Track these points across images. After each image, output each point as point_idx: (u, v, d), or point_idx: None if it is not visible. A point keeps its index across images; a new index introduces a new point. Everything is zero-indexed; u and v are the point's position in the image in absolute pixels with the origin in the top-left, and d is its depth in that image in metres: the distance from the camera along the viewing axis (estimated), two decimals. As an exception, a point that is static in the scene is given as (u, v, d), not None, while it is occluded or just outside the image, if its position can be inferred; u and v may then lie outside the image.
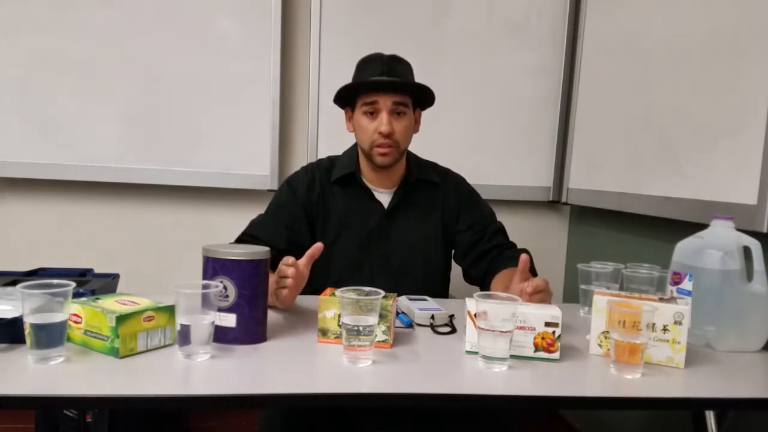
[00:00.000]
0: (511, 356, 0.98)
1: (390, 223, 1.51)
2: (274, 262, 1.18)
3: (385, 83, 1.41)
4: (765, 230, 1.29)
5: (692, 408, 1.23)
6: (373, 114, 1.43)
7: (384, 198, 1.52)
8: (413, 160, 1.57)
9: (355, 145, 1.55)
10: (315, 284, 1.38)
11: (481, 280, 1.54)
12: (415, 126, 1.51)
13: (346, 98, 1.49)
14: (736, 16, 1.44)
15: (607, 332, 1.03)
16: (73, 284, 0.92)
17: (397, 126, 1.42)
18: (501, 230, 1.58)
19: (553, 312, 1.01)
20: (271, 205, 1.54)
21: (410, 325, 1.21)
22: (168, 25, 2.08)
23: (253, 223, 1.52)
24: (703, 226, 1.21)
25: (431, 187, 1.56)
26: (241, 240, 1.47)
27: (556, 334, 1.01)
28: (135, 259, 2.17)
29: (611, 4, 2.04)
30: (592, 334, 1.07)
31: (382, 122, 1.40)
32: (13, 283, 1.11)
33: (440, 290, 1.60)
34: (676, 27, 1.67)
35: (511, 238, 1.58)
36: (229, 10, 2.11)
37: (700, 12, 1.57)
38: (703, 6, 1.56)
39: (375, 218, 1.51)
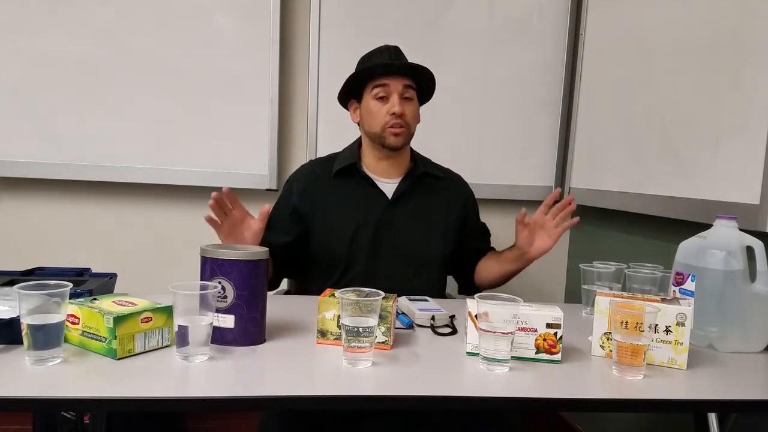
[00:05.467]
0: (513, 358, 0.97)
1: (395, 211, 1.53)
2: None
3: (398, 65, 1.48)
4: (768, 230, 1.28)
5: (695, 410, 1.23)
6: (383, 98, 1.47)
7: (387, 188, 1.54)
8: (417, 155, 1.61)
9: (357, 140, 1.59)
10: (327, 275, 1.48)
11: (465, 271, 1.64)
12: None
13: (352, 89, 1.52)
14: (739, 14, 1.43)
15: (609, 333, 1.02)
16: (70, 285, 0.91)
17: (407, 108, 1.48)
18: (486, 233, 1.71)
19: (554, 313, 1.01)
20: (275, 205, 1.60)
21: (410, 326, 1.20)
22: (166, 23, 2.07)
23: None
24: (706, 226, 1.20)
25: (435, 180, 1.60)
26: None
27: (558, 336, 1.00)
28: (132, 259, 2.16)
29: (613, 1, 2.03)
30: (594, 336, 1.07)
31: (394, 104, 1.45)
32: (11, 283, 1.10)
33: (442, 284, 1.63)
34: (678, 25, 1.65)
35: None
36: (228, 8, 2.10)
37: (703, 10, 1.56)
38: (705, 4, 1.55)
39: (380, 207, 1.52)
